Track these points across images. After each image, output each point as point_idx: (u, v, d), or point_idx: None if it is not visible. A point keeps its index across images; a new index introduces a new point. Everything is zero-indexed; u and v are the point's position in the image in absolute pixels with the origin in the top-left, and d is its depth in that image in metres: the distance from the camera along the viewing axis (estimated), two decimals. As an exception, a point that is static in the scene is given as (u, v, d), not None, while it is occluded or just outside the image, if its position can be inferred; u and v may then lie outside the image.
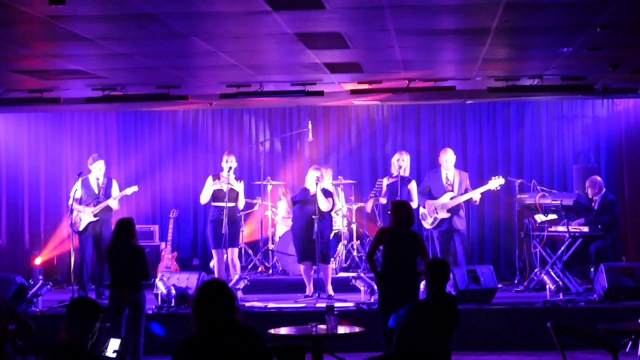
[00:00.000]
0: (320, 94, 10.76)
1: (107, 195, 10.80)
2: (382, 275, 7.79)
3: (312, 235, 10.05)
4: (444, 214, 10.83)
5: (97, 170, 10.86)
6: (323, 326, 7.12)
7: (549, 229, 10.81)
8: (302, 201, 10.37)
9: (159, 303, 9.71)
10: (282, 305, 9.77)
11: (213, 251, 10.60)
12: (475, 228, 12.86)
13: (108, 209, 10.83)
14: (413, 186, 10.90)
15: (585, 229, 10.66)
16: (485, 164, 12.99)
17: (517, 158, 13.02)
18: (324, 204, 10.18)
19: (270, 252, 12.25)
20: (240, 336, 4.04)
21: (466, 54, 9.14)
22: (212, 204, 10.58)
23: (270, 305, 9.80)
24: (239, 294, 10.21)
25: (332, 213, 10.69)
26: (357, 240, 12.29)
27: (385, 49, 8.63)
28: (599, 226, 10.76)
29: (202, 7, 6.88)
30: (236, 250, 10.69)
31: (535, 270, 10.90)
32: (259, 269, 12.22)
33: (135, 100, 10.94)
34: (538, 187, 11.32)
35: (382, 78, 10.44)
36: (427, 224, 10.96)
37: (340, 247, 11.96)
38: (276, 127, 13.50)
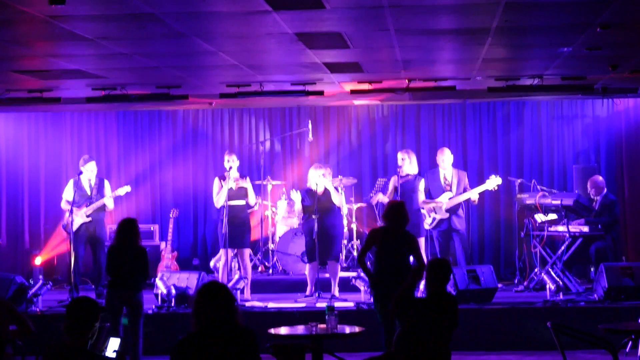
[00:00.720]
0: (320, 93, 10.77)
1: (100, 196, 10.76)
2: (375, 277, 7.68)
3: (322, 233, 10.04)
4: (442, 214, 10.83)
5: (88, 171, 10.80)
6: (323, 326, 7.12)
7: (549, 229, 10.81)
8: (311, 202, 10.30)
9: (159, 303, 9.71)
10: (282, 305, 9.77)
11: (222, 250, 10.35)
12: (475, 228, 12.86)
13: (101, 209, 10.80)
14: (419, 184, 10.86)
15: (586, 228, 10.65)
16: (485, 164, 12.99)
17: (517, 158, 13.02)
18: (336, 198, 10.21)
19: (270, 251, 12.25)
20: (236, 337, 4.12)
21: (466, 54, 9.14)
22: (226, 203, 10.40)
23: (270, 305, 9.80)
24: (244, 294, 10.23)
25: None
26: (357, 240, 12.29)
27: (385, 48, 8.63)
28: (599, 226, 10.77)
29: (202, 6, 6.88)
30: (248, 251, 10.61)
31: (535, 270, 10.89)
32: (259, 268, 12.22)
33: (135, 100, 10.94)
34: (538, 187, 11.32)
35: (382, 78, 10.45)
36: (426, 224, 10.95)
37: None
38: (276, 127, 13.50)
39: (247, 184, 10.36)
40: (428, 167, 12.42)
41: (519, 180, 11.70)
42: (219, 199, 10.30)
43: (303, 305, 9.80)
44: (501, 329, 9.36)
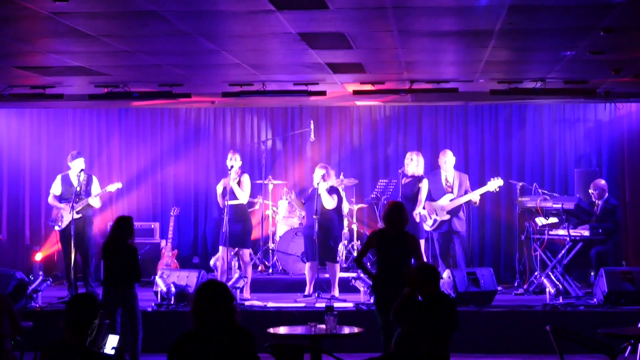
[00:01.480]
0: (323, 94, 10.76)
1: (88, 192, 10.69)
2: (375, 279, 7.65)
3: (320, 234, 10.03)
4: (443, 216, 10.82)
5: (76, 167, 10.75)
6: (322, 326, 7.12)
7: (550, 232, 10.81)
8: (310, 200, 10.32)
9: (159, 301, 9.72)
10: (281, 305, 9.77)
11: (222, 249, 10.29)
12: (476, 230, 12.86)
13: (90, 206, 10.78)
14: (423, 185, 10.85)
15: (586, 232, 10.65)
16: (487, 166, 12.98)
17: (518, 161, 13.02)
18: (328, 202, 10.17)
19: (270, 251, 12.25)
20: (234, 337, 4.14)
21: (469, 56, 9.14)
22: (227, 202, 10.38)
23: (270, 304, 9.80)
24: (244, 293, 10.22)
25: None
26: (357, 241, 12.29)
27: (388, 49, 8.63)
28: (600, 230, 10.76)
29: (206, 5, 6.88)
30: (248, 250, 10.56)
31: (535, 274, 10.89)
32: (259, 268, 12.22)
33: (137, 97, 10.94)
34: (539, 190, 11.31)
35: (384, 79, 10.44)
36: (426, 226, 10.95)
37: (341, 248, 11.94)
38: (278, 127, 13.50)
39: (233, 183, 10.26)
40: (429, 168, 12.41)
41: (520, 183, 11.69)
42: (221, 198, 10.35)
43: (302, 305, 9.80)
44: (500, 332, 9.35)
